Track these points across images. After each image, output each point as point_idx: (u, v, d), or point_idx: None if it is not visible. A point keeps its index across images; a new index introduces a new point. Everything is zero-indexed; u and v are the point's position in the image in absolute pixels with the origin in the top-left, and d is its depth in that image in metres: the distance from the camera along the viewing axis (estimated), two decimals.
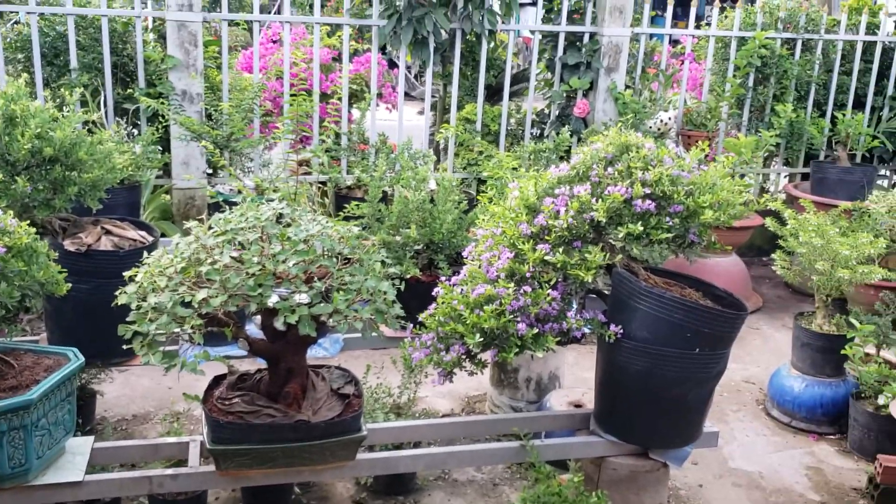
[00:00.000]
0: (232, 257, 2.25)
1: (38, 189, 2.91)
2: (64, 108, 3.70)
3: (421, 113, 7.14)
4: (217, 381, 2.58)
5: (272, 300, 2.20)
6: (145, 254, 2.47)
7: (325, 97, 5.94)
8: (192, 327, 2.20)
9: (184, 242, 2.38)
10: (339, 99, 5.66)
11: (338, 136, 5.55)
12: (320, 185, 5.44)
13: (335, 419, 2.43)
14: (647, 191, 2.62)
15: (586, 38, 5.81)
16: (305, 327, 2.26)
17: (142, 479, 2.43)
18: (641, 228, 2.58)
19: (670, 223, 2.63)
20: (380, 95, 6.54)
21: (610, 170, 2.72)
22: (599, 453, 2.78)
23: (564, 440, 2.84)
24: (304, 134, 5.59)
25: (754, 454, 3.74)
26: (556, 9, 5.89)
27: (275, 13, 9.48)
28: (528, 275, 2.63)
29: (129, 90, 5.09)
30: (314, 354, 3.93)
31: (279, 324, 2.44)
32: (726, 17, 6.38)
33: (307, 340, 2.49)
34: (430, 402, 3.89)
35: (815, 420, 3.90)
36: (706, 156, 2.81)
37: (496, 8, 5.60)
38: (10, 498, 2.31)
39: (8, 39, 5.07)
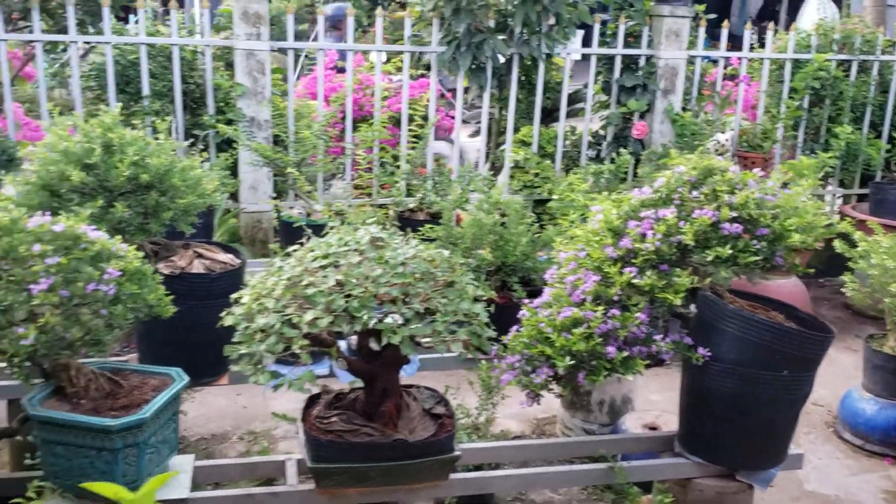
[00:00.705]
0: (337, 280, 2.32)
1: (135, 214, 3.01)
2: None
3: (472, 136, 7.22)
4: (312, 400, 2.65)
5: (387, 320, 2.26)
6: (247, 276, 2.54)
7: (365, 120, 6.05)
8: (300, 347, 2.27)
9: (287, 265, 2.46)
10: (395, 124, 5.77)
11: (395, 159, 5.64)
12: (381, 208, 5.52)
13: (430, 439, 2.48)
14: (734, 214, 2.65)
15: (642, 61, 5.85)
16: (406, 348, 2.32)
17: (245, 497, 2.50)
18: (730, 251, 2.61)
19: (758, 246, 2.66)
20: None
21: (695, 193, 2.76)
22: (686, 475, 2.80)
23: (651, 462, 2.86)
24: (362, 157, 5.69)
25: (829, 477, 3.72)
26: (611, 32, 5.95)
27: (312, 40, 9.64)
28: (615, 298, 2.67)
29: (196, 117, 5.23)
30: None
31: (375, 344, 2.52)
32: (779, 38, 6.39)
33: (401, 361, 2.55)
34: (501, 424, 3.92)
35: (890, 443, 3.87)
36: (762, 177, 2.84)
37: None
38: None
39: (83, 69, 5.25)
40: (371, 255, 2.43)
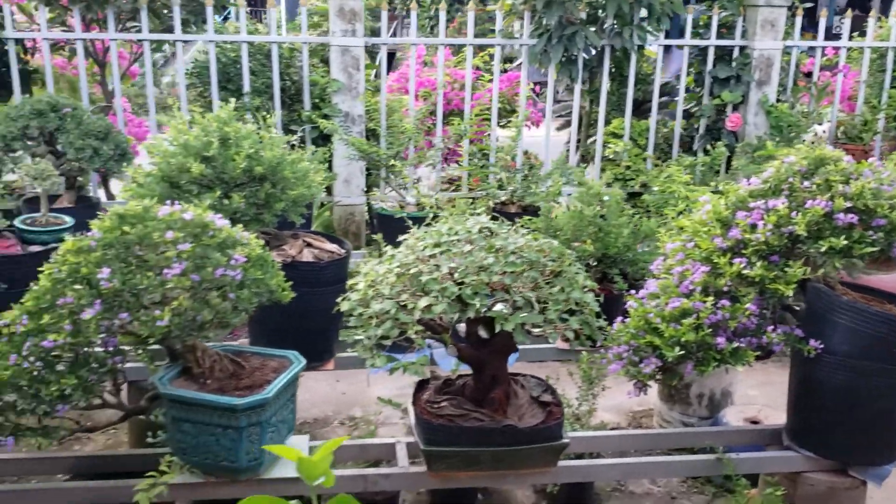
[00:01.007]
0: (450, 267, 2.38)
1: (249, 205, 3.14)
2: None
3: (560, 129, 7.20)
4: (421, 385, 2.71)
5: (497, 308, 2.31)
6: (361, 263, 2.62)
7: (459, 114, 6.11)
8: (415, 332, 2.33)
9: (399, 253, 2.53)
10: (485, 118, 5.81)
11: (483, 153, 5.69)
12: (471, 200, 5.57)
13: (540, 426, 2.52)
14: (849, 204, 2.60)
15: (736, 52, 5.75)
16: (519, 335, 2.36)
17: (358, 477, 2.58)
18: (844, 242, 2.56)
19: (874, 237, 2.60)
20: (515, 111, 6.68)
21: (806, 183, 2.71)
22: (796, 468, 2.76)
23: (760, 454, 2.83)
24: (453, 150, 5.76)
25: None
26: (703, 23, 5.86)
27: (390, 36, 9.72)
28: (724, 289, 2.65)
29: (292, 112, 5.38)
30: None
31: (484, 332, 2.57)
32: (881, 26, 6.18)
33: (509, 349, 2.60)
34: (598, 416, 3.92)
35: None
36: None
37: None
38: (242, 489, 2.50)
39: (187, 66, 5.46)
40: (482, 244, 2.48)
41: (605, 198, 3.59)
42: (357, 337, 2.48)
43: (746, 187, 2.85)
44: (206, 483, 2.45)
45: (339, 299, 2.55)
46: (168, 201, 2.51)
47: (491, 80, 6.69)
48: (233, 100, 3.33)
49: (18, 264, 3.09)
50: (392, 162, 4.58)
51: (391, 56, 6.76)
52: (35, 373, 2.28)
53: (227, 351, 2.63)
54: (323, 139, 5.19)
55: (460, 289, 2.34)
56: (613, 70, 5.83)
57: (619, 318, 2.81)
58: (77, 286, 2.32)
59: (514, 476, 2.60)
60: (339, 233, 5.35)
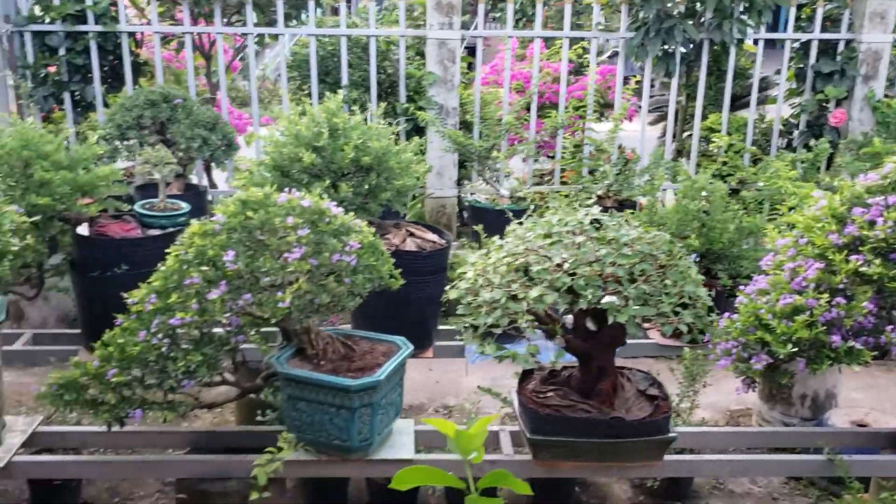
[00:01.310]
0: (562, 258, 2.39)
1: (356, 195, 3.21)
2: None
3: (652, 124, 7.10)
4: (526, 375, 2.74)
5: (606, 300, 2.31)
6: (460, 254, 2.66)
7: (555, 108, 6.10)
8: (525, 322, 2.36)
9: (508, 243, 2.56)
10: (576, 110, 5.79)
11: (576, 146, 5.67)
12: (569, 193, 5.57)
13: (647, 419, 2.51)
14: None
15: (841, 46, 5.56)
16: (632, 327, 2.35)
17: (461, 462, 2.61)
18: None
19: None
20: (612, 106, 6.62)
21: None
22: None
23: (875, 457, 2.76)
24: (545, 143, 5.75)
25: None
26: (805, 16, 5.69)
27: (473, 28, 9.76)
28: (839, 286, 2.59)
29: (386, 104, 5.46)
30: None
31: (592, 324, 2.57)
32: None
33: (617, 341, 2.60)
34: (695, 414, 3.88)
35: None
36: None
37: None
38: (352, 468, 2.58)
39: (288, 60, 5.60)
40: (593, 236, 2.48)
41: (706, 193, 3.54)
42: (465, 325, 2.51)
43: (863, 183, 2.77)
44: (319, 461, 2.53)
45: (447, 287, 2.59)
46: (279, 189, 2.60)
47: (581, 74, 6.67)
48: (341, 91, 3.41)
49: (139, 247, 3.25)
50: (491, 154, 4.61)
51: (471, 50, 6.80)
52: (162, 349, 2.40)
53: (337, 334, 2.70)
54: (416, 131, 5.25)
55: (572, 279, 2.35)
56: (711, 64, 5.72)
57: (726, 314, 2.78)
58: (203, 267, 2.43)
59: (618, 468, 2.60)
60: (431, 223, 5.41)
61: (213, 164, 5.21)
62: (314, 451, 2.53)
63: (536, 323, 2.49)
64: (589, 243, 2.45)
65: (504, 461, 2.62)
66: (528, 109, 5.47)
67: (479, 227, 3.54)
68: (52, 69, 5.08)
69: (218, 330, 2.48)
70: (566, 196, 5.52)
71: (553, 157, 5.65)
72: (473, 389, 4.24)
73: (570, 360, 2.69)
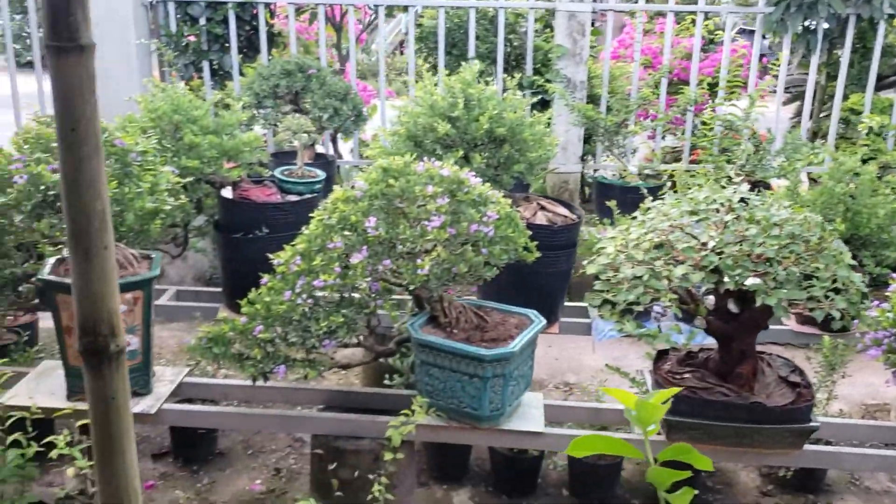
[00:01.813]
0: (710, 236, 2.32)
1: (488, 166, 3.21)
2: None
3: (784, 104, 6.79)
4: (661, 355, 2.68)
5: (750, 281, 2.24)
6: (605, 230, 2.62)
7: (686, 84, 5.91)
8: (668, 300, 2.30)
9: (650, 219, 2.50)
10: (707, 87, 5.59)
11: (704, 124, 5.48)
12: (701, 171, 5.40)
13: (789, 406, 2.42)
14: None
15: None
16: (779, 311, 2.27)
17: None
18: None
19: None
20: (745, 85, 6.37)
21: None
22: None
23: None
24: (674, 120, 5.59)
25: None
26: None
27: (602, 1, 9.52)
28: None
29: (512, 78, 5.42)
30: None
31: (734, 305, 2.49)
32: None
33: (760, 324, 2.51)
34: (831, 405, 3.73)
35: None
36: None
37: None
38: (482, 436, 2.60)
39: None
40: (742, 214, 2.40)
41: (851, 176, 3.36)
42: (602, 301, 2.48)
43: None
44: (449, 427, 2.56)
45: (585, 262, 2.56)
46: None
47: (710, 52, 6.44)
48: (477, 62, 3.40)
49: (279, 211, 3.35)
50: (621, 129, 4.52)
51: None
52: (306, 309, 2.47)
53: (469, 304, 2.72)
54: (541, 105, 5.20)
55: (720, 259, 2.28)
56: (855, 41, 5.40)
57: (875, 303, 2.64)
58: (346, 232, 2.49)
59: (754, 454, 2.52)
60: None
61: (338, 135, 5.31)
62: (445, 416, 2.56)
63: (679, 302, 2.43)
64: (737, 222, 2.37)
65: (636, 440, 2.58)
66: (657, 86, 5.32)
67: (612, 204, 3.49)
68: (192, 38, 5.29)
69: (356, 294, 2.54)
70: (697, 175, 5.37)
71: (682, 135, 5.49)
72: (593, 367, 4.22)
73: (698, 342, 2.63)
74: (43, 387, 2.75)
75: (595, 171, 5.44)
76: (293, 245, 2.60)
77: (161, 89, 3.34)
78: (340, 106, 4.53)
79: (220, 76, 5.40)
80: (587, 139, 5.36)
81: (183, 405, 2.82)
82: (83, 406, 2.60)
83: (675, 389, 1.17)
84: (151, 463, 3.29)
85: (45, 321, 4.18)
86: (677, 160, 5.48)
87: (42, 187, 2.43)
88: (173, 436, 3.34)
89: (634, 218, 3.37)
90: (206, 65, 5.28)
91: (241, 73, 5.34)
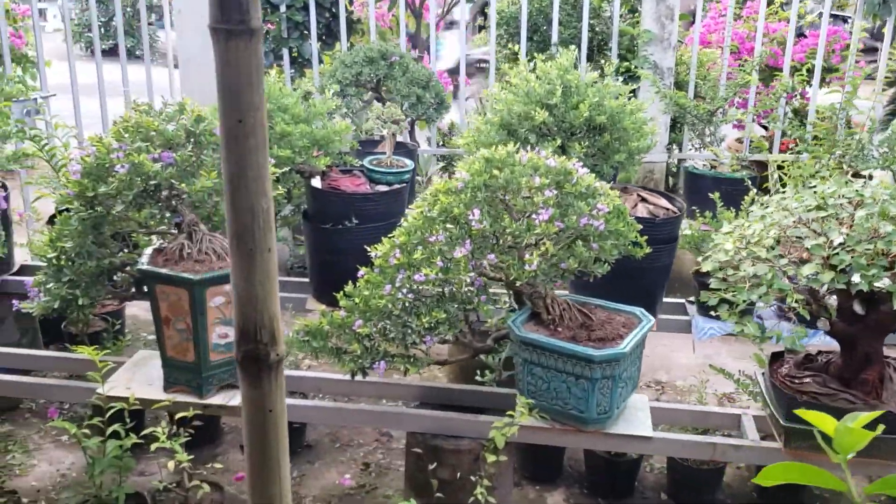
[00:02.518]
0: (842, 233, 2.16)
1: (587, 156, 3.09)
2: None
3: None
4: (775, 357, 2.54)
5: (883, 282, 2.08)
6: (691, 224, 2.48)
7: (778, 71, 5.67)
8: (795, 301, 2.16)
9: (772, 214, 2.35)
10: (799, 74, 5.34)
11: (795, 112, 5.25)
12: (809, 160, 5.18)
13: None
14: None
15: None
16: None
17: (707, 444, 2.48)
18: None
19: None
20: (836, 70, 6.10)
21: None
22: None
23: None
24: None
25: None
26: None
27: None
28: None
29: (596, 64, 5.26)
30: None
31: (859, 307, 2.33)
32: None
33: (888, 327, 2.35)
34: None
35: None
36: None
37: None
38: (587, 439, 2.50)
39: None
40: (874, 210, 2.23)
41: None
42: (720, 300, 2.35)
43: None
44: (552, 429, 2.47)
45: (699, 258, 2.43)
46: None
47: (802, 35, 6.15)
48: (573, 48, 3.27)
49: (369, 202, 3.29)
50: (713, 117, 4.34)
51: None
52: (406, 304, 2.40)
53: (573, 301, 2.61)
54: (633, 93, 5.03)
55: (852, 258, 2.13)
56: None
57: None
58: (449, 225, 2.40)
59: (879, 465, 2.36)
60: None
61: (415, 123, 5.24)
62: (548, 418, 2.46)
63: (805, 303, 2.28)
64: (871, 218, 2.20)
65: (749, 447, 2.45)
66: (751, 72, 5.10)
67: (715, 196, 3.33)
68: (271, 26, 5.26)
69: (458, 288, 2.45)
70: (804, 167, 5.14)
71: (775, 123, 5.26)
72: (684, 366, 4.07)
73: (807, 342, 2.48)
74: (140, 377, 2.74)
75: (678, 160, 5.26)
76: (390, 237, 2.53)
77: None
78: (423, 94, 4.44)
79: (299, 64, 5.37)
80: (671, 128, 5.18)
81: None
82: (182, 398, 2.58)
83: (877, 413, 1.04)
84: (241, 454, 3.27)
85: (131, 308, 4.23)
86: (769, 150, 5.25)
87: (143, 176, 2.40)
88: None
89: (739, 212, 3.23)
90: (285, 52, 5.25)
91: (320, 61, 5.31)
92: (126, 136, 2.48)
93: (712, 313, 2.42)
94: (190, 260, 2.54)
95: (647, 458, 3.15)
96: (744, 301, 2.24)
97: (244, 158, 0.82)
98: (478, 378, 2.85)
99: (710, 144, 4.74)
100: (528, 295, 2.54)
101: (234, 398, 2.63)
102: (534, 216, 2.33)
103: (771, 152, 5.12)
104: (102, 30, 12.68)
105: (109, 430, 2.46)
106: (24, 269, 3.65)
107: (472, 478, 2.49)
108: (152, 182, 2.41)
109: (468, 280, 2.38)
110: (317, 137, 3.22)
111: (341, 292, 2.53)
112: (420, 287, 2.40)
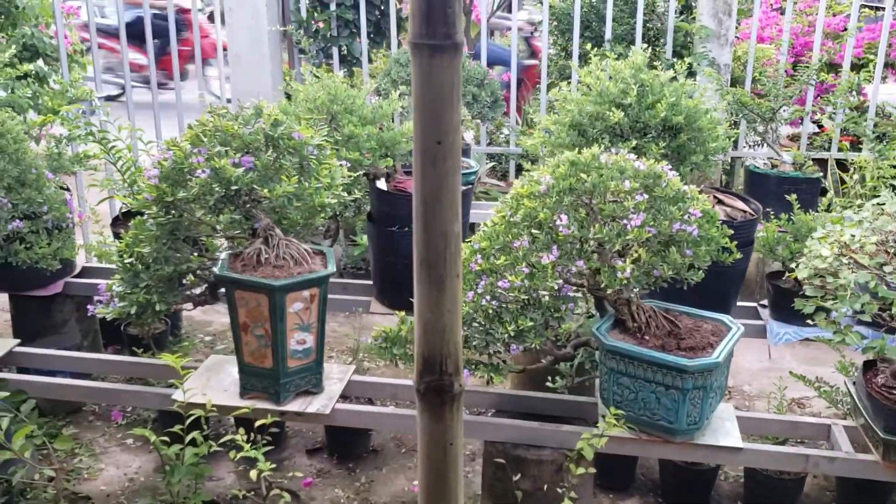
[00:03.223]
0: None
1: (663, 157, 3.01)
2: None
3: None
4: (868, 366, 2.46)
5: None
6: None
7: (833, 68, 5.55)
8: None
9: (879, 220, 2.27)
10: (862, 69, 5.22)
11: (853, 109, 5.12)
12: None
13: None
14: None
15: None
16: None
17: (798, 456, 2.41)
18: None
19: None
20: (893, 66, 5.97)
21: None
22: None
23: None
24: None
25: None
26: None
27: None
28: None
29: (650, 60, 5.17)
30: None
31: None
32: None
33: None
34: None
35: None
36: None
37: None
38: (675, 451, 2.43)
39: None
40: None
41: None
42: (823, 306, 2.27)
43: None
44: (638, 440, 2.40)
45: (793, 265, 2.35)
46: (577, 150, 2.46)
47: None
48: (650, 48, 3.19)
49: None
50: (776, 115, 4.24)
51: None
52: (490, 311, 2.34)
53: (658, 308, 2.54)
54: None
55: None
56: None
57: None
58: (534, 231, 2.34)
59: None
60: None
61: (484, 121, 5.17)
62: (635, 429, 2.40)
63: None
64: None
65: (844, 459, 2.37)
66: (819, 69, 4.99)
67: (792, 198, 3.24)
68: (321, 25, 5.22)
69: (548, 294, 2.39)
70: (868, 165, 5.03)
71: (821, 121, 5.15)
72: (749, 370, 3.99)
73: None
74: (214, 383, 2.71)
75: (731, 158, 5.16)
76: (468, 241, 2.47)
77: (316, 77, 3.26)
78: (479, 92, 4.38)
79: (348, 62, 5.33)
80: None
81: (354, 405, 2.75)
82: (261, 405, 2.55)
83: None
84: (307, 459, 3.25)
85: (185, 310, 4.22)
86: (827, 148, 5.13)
87: (224, 181, 2.37)
88: (327, 431, 3.29)
89: (809, 213, 3.14)
90: (335, 51, 5.21)
91: (370, 60, 5.27)
92: (205, 140, 2.45)
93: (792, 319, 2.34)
94: (268, 265, 2.50)
95: (722, 466, 3.08)
96: (845, 312, 2.17)
97: (441, 181, 0.76)
98: (548, 384, 2.79)
99: (772, 143, 4.63)
100: (613, 302, 2.47)
101: (311, 405, 2.59)
102: (624, 221, 2.26)
103: (829, 151, 5.02)
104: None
105: (188, 437, 2.43)
106: (85, 272, 3.65)
107: (557, 489, 2.44)
108: (233, 188, 2.37)
109: (555, 287, 2.32)
110: (384, 139, 3.18)
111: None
112: (504, 294, 2.34)
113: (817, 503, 3.00)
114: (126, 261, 2.53)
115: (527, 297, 2.36)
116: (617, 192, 2.33)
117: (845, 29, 6.03)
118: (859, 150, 5.08)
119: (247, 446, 2.29)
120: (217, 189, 2.38)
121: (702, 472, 2.93)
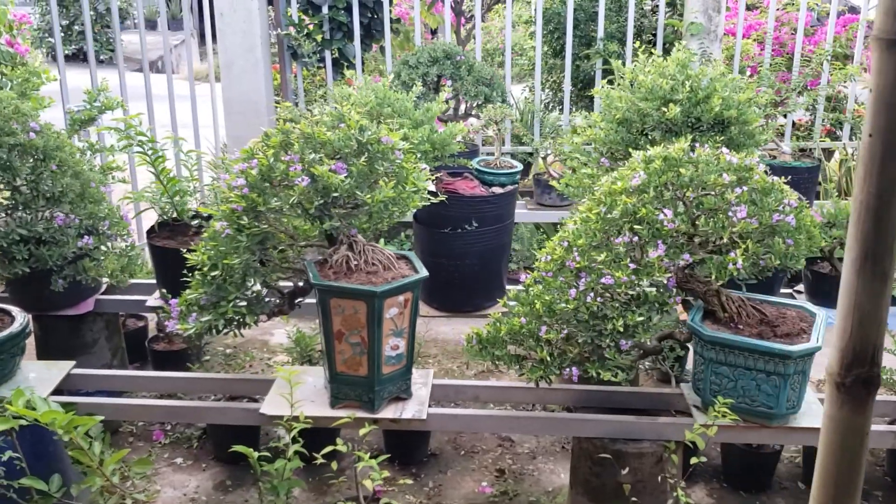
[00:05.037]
0: None
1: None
2: None
3: None
4: None
5: None
6: None
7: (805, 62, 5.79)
8: None
9: None
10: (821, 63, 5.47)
11: (828, 100, 5.36)
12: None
13: None
14: None
15: None
16: None
17: (887, 433, 2.50)
18: None
19: None
20: (852, 58, 6.26)
21: None
22: None
23: None
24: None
25: None
26: None
27: None
28: None
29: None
30: None
31: None
32: None
33: None
34: None
35: None
36: None
37: None
38: (772, 435, 2.50)
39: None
40: None
41: None
42: None
43: None
44: (737, 427, 2.46)
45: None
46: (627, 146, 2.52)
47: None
48: (682, 43, 3.27)
49: (488, 204, 3.24)
50: (775, 108, 4.40)
51: None
52: (595, 308, 2.36)
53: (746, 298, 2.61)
54: None
55: None
56: None
57: None
58: (637, 226, 2.37)
59: None
60: None
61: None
62: (737, 416, 2.45)
63: None
64: None
65: None
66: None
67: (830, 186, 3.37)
68: (312, 27, 5.14)
69: (651, 289, 2.42)
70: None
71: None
72: None
73: None
74: (297, 394, 2.64)
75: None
76: (556, 239, 2.49)
77: (365, 82, 3.22)
78: (490, 92, 4.39)
79: (341, 65, 5.26)
80: None
81: (448, 409, 2.72)
82: (362, 414, 2.50)
83: None
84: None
85: None
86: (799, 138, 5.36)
87: (324, 189, 2.31)
88: (386, 437, 3.24)
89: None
90: (327, 54, 5.14)
91: (363, 63, 5.22)
92: (295, 147, 2.39)
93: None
94: (360, 272, 2.45)
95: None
96: None
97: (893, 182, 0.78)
98: (611, 378, 2.83)
99: (774, 136, 4.80)
100: (702, 293, 2.53)
101: (405, 411, 2.56)
102: (729, 214, 2.32)
103: (810, 140, 5.24)
104: (63, 34, 12.23)
105: (291, 450, 2.36)
106: (111, 289, 3.49)
107: (658, 480, 2.48)
108: (334, 195, 2.32)
109: (664, 281, 2.35)
110: (434, 140, 3.16)
111: (504, 298, 2.49)
112: (609, 290, 2.36)
113: (875, 479, 3.13)
114: (211, 274, 2.44)
115: (635, 293, 2.38)
116: (714, 186, 2.38)
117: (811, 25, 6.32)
118: (837, 139, 5.34)
119: (366, 457, 2.24)
120: (315, 197, 2.32)
121: (765, 455, 3.02)
